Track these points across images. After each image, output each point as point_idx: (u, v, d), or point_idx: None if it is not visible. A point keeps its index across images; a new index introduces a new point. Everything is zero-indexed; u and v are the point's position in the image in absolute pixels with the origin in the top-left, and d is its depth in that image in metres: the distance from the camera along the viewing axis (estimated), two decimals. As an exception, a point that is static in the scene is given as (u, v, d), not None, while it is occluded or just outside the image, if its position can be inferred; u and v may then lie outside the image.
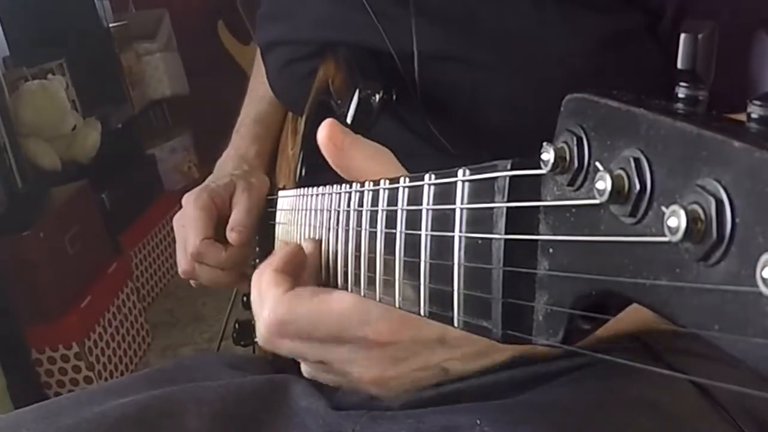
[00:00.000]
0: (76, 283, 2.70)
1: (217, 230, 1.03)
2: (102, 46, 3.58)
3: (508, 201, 0.39)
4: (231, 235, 1.02)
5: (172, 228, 1.09)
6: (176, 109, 4.30)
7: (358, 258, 0.61)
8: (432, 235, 0.48)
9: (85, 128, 3.11)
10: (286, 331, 0.66)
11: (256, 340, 1.20)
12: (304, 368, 0.75)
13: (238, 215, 1.03)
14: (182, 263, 1.05)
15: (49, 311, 2.57)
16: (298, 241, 0.78)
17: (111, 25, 3.75)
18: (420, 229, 0.49)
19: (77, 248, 2.73)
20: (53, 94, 2.95)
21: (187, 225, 1.03)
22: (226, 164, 1.13)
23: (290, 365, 0.80)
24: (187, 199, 1.05)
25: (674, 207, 0.28)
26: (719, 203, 0.27)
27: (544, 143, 0.35)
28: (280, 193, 0.96)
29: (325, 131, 0.63)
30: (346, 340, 0.64)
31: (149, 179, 3.71)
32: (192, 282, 1.09)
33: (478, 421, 0.72)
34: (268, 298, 0.67)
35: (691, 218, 0.28)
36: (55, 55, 3.17)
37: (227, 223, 1.04)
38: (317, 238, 0.73)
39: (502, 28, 0.78)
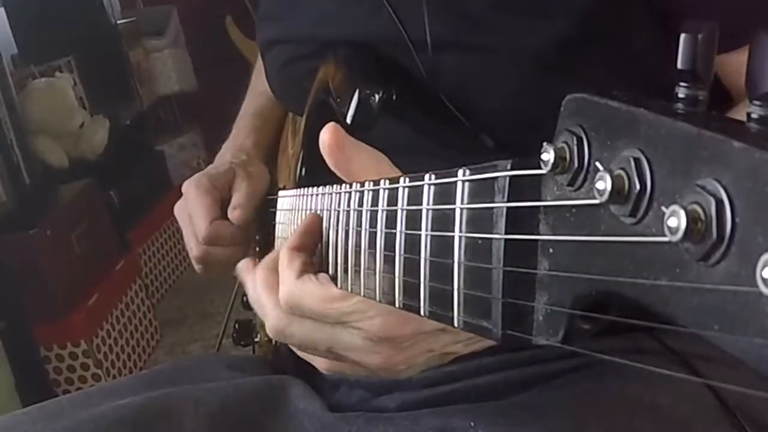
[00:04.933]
0: (84, 281, 2.71)
1: (222, 213, 1.03)
2: (110, 43, 3.59)
3: (508, 201, 0.39)
4: (233, 214, 1.01)
5: (180, 224, 1.09)
6: (185, 106, 4.31)
7: (358, 258, 0.61)
8: (432, 235, 0.48)
9: (93, 125, 3.12)
10: (295, 314, 0.67)
11: (256, 340, 1.21)
12: (319, 362, 0.74)
13: (239, 197, 1.03)
14: (194, 250, 1.04)
15: (57, 309, 2.57)
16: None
17: (119, 21, 3.76)
18: (420, 229, 0.49)
19: (85, 246, 2.73)
20: (61, 91, 2.96)
21: (193, 211, 1.02)
22: (225, 154, 1.13)
23: (289, 367, 0.80)
24: (188, 186, 1.05)
25: (674, 207, 0.28)
26: (719, 203, 0.27)
27: (544, 143, 0.35)
28: (281, 193, 0.96)
29: (328, 134, 0.63)
30: (351, 327, 0.65)
31: (158, 176, 3.71)
32: (199, 270, 1.07)
33: (473, 424, 0.72)
34: (283, 283, 0.68)
35: (691, 218, 0.28)
36: (62, 53, 3.18)
37: (226, 207, 1.04)
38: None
39: (502, 13, 0.77)
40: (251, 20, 3.77)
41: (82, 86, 3.19)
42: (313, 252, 0.72)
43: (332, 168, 0.64)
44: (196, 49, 4.28)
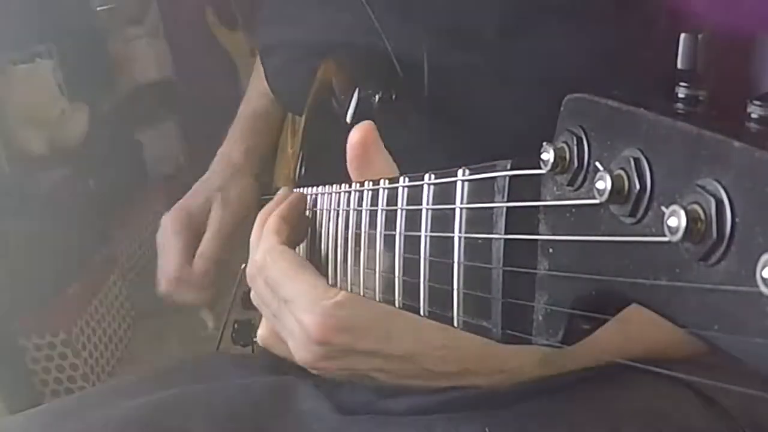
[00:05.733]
0: (63, 270, 2.69)
1: (193, 253, 1.09)
2: (89, 30, 3.56)
3: (508, 201, 0.39)
4: (196, 263, 1.08)
5: (158, 215, 1.11)
6: (163, 95, 4.28)
7: (357, 257, 0.61)
8: (432, 235, 0.48)
9: (73, 113, 3.09)
10: (260, 274, 0.74)
11: (255, 340, 1.21)
12: (262, 328, 0.82)
13: (205, 242, 1.09)
14: (161, 284, 1.12)
15: (36, 298, 2.56)
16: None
17: (98, 8, 3.73)
18: (420, 229, 0.49)
19: (64, 234, 2.72)
20: (41, 78, 2.93)
21: (165, 250, 1.06)
22: (213, 168, 1.16)
23: (295, 367, 0.81)
24: (165, 221, 1.11)
25: (674, 207, 0.28)
26: (719, 203, 0.27)
27: (544, 143, 0.35)
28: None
29: (360, 133, 0.64)
30: (291, 311, 0.68)
31: (136, 165, 3.69)
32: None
33: (487, 429, 0.72)
34: (264, 243, 0.74)
35: (691, 218, 0.28)
36: (42, 39, 3.15)
37: None
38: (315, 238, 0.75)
39: (502, 39, 0.78)
40: (231, 12, 3.76)
41: (61, 73, 3.16)
42: (297, 228, 0.76)
43: (348, 163, 0.65)
44: (176, 39, 4.25)
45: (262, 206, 1.09)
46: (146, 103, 4.19)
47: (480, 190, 0.42)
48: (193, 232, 1.10)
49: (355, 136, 0.64)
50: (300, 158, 0.97)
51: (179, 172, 3.36)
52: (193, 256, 1.08)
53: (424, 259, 0.49)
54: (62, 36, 3.24)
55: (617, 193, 0.31)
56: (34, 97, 2.89)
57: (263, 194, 1.11)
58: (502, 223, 0.40)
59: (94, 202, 3.07)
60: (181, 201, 1.13)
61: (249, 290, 1.12)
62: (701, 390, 0.77)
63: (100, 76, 3.55)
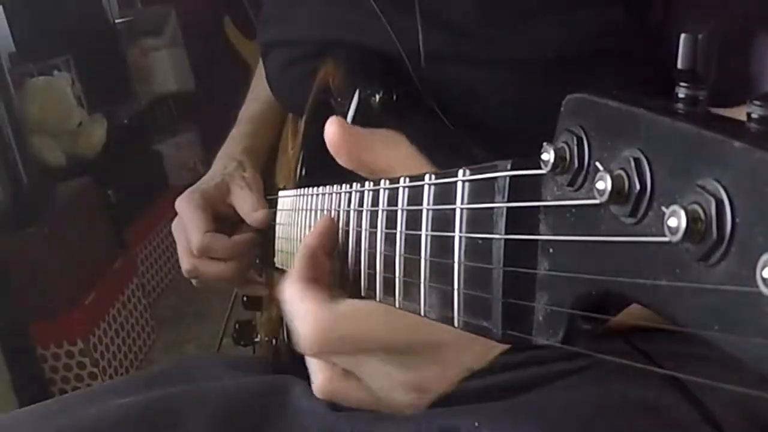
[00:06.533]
0: (81, 279, 2.71)
1: (215, 227, 1.05)
2: (108, 41, 3.59)
3: (508, 201, 0.39)
4: (254, 216, 1.03)
5: (176, 225, 1.10)
6: (182, 105, 4.30)
7: (358, 258, 0.61)
8: (432, 235, 0.48)
9: (91, 124, 3.11)
10: (331, 347, 0.58)
11: (256, 340, 1.21)
12: (320, 384, 0.65)
13: (251, 200, 1.05)
14: (185, 262, 1.06)
15: (54, 307, 2.57)
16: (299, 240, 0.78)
17: (117, 20, 3.76)
18: (420, 230, 0.49)
19: (82, 244, 2.73)
20: (59, 89, 2.95)
21: (186, 225, 1.03)
22: (217, 164, 1.15)
23: (290, 367, 0.80)
24: (180, 203, 1.07)
25: (674, 207, 0.28)
26: (719, 203, 0.27)
27: (544, 143, 0.35)
28: (281, 193, 0.97)
29: (334, 126, 0.59)
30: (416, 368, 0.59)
31: (155, 175, 3.72)
32: (194, 282, 1.09)
33: (476, 423, 0.72)
34: (305, 313, 0.58)
35: (691, 218, 0.28)
36: (61, 51, 3.17)
37: (223, 220, 1.06)
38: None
39: (495, 27, 0.78)
40: (249, 20, 3.78)
41: (80, 85, 3.19)
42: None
43: (346, 165, 0.59)
44: (194, 49, 4.28)
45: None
46: (165, 113, 4.22)
47: (480, 191, 0.42)
48: (211, 211, 1.06)
49: (331, 131, 0.59)
50: (300, 159, 0.97)
51: (198, 180, 3.39)
52: (214, 230, 1.04)
53: (425, 259, 0.49)
54: (80, 48, 3.27)
55: (617, 193, 0.31)
56: (53, 108, 2.91)
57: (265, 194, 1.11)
58: (502, 224, 0.39)
59: (113, 212, 3.09)
60: (191, 188, 1.10)
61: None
62: (687, 388, 0.76)
63: (118, 87, 3.58)
